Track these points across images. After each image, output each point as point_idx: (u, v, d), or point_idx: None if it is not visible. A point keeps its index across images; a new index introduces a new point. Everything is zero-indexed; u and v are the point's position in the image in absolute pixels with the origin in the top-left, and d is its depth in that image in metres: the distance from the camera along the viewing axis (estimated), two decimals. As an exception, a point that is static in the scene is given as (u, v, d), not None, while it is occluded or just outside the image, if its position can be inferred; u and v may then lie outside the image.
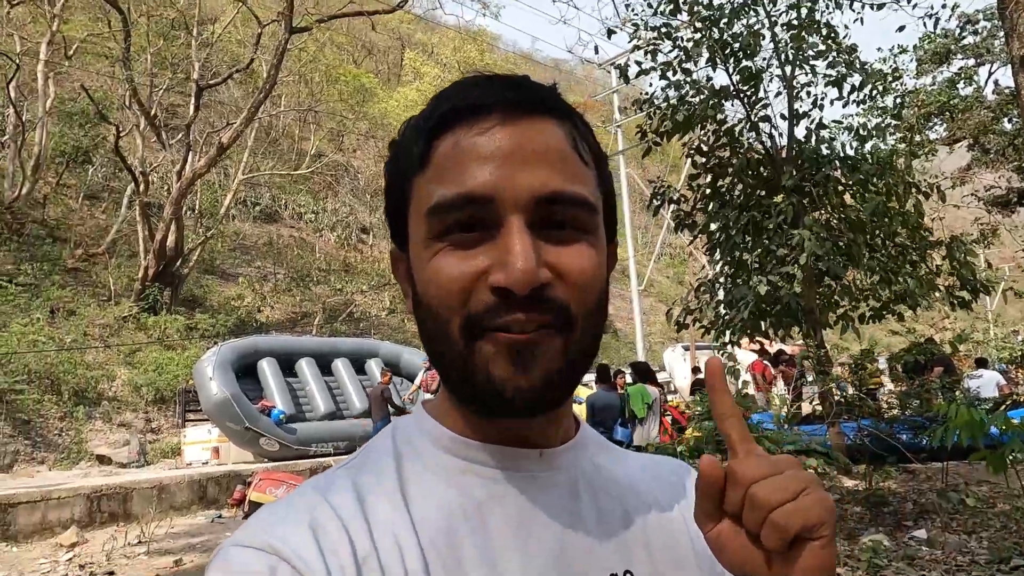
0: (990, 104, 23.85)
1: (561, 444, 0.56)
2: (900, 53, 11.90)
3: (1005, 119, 23.52)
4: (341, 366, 12.45)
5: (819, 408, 7.84)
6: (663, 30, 7.59)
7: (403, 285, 0.57)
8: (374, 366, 12.84)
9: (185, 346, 17.38)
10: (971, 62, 24.14)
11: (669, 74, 7.57)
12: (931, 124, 22.35)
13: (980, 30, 23.56)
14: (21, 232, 18.37)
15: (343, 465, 0.55)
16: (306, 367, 11.95)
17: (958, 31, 23.55)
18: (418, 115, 0.53)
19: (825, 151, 7.65)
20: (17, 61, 17.56)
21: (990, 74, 24.32)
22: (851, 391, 7.03)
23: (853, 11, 7.83)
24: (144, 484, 8.56)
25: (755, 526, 0.43)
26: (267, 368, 11.38)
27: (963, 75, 23.52)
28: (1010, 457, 4.98)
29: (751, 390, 10.60)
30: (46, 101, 18.57)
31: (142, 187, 18.85)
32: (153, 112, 19.80)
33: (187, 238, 20.82)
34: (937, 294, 7.33)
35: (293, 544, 0.45)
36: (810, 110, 7.82)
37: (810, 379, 7.89)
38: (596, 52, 12.84)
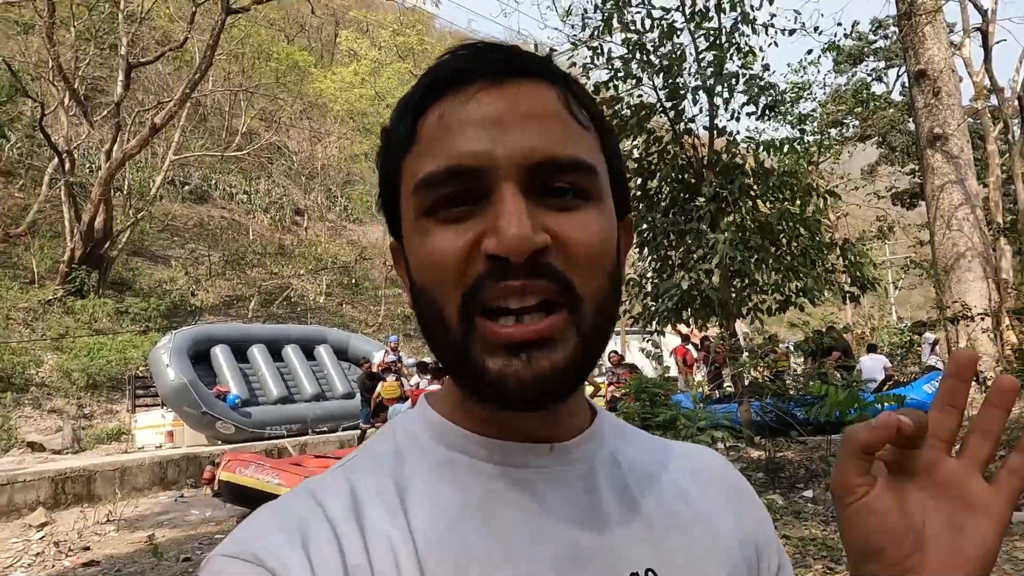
0: (897, 104, 25.90)
1: (576, 435, 0.52)
2: (811, 64, 13.13)
3: (909, 119, 25.61)
4: (291, 352, 12.92)
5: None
6: (597, 51, 8.36)
7: (403, 279, 0.53)
8: (323, 352, 13.37)
9: (116, 331, 17.11)
10: (882, 64, 26.13)
11: (603, 91, 8.37)
12: (844, 122, 23.88)
13: (890, 35, 25.43)
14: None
15: (341, 464, 0.52)
16: (258, 353, 12.36)
17: (870, 34, 25.42)
18: (405, 94, 0.51)
19: (740, 162, 8.63)
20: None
21: (898, 76, 26.25)
22: (756, 374, 8.09)
23: (768, 36, 8.80)
24: (107, 467, 8.89)
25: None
26: (220, 354, 11.73)
27: (875, 76, 25.45)
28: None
29: (674, 372, 11.69)
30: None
31: (67, 166, 18.30)
32: (75, 87, 19.19)
33: (115, 219, 20.36)
34: (830, 291, 8.48)
35: (279, 554, 0.43)
36: (727, 124, 8.78)
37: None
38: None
